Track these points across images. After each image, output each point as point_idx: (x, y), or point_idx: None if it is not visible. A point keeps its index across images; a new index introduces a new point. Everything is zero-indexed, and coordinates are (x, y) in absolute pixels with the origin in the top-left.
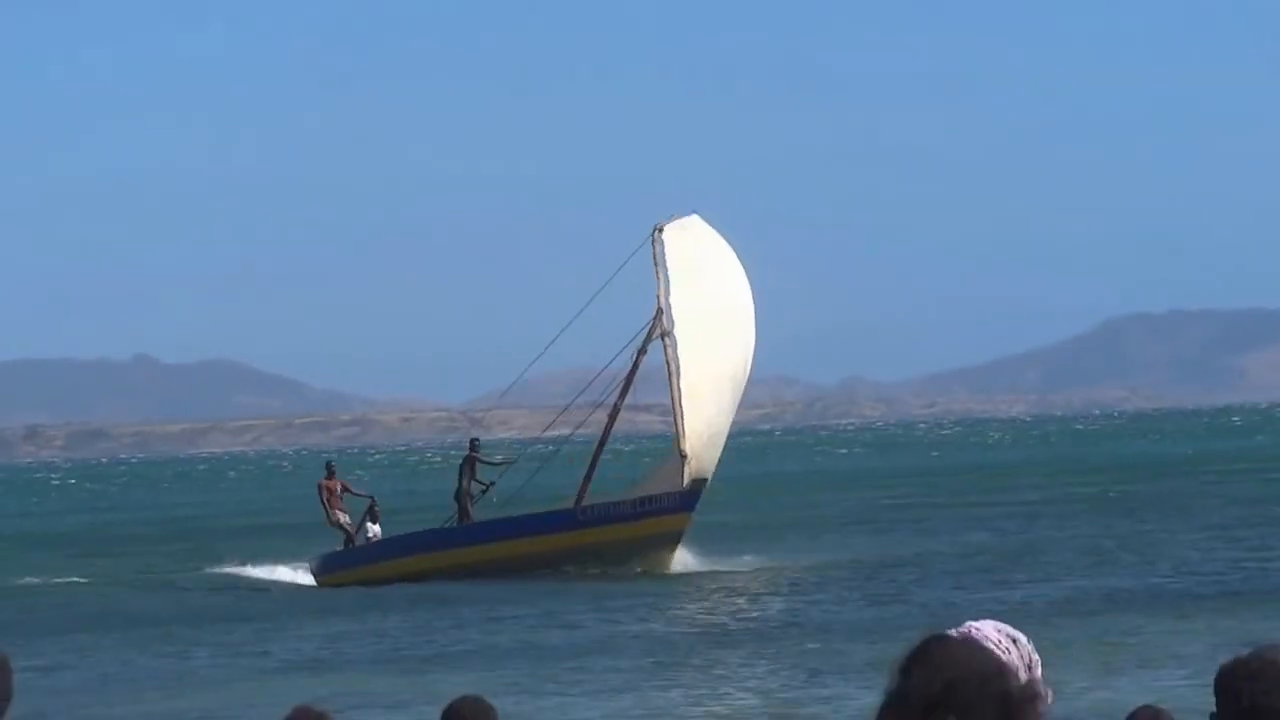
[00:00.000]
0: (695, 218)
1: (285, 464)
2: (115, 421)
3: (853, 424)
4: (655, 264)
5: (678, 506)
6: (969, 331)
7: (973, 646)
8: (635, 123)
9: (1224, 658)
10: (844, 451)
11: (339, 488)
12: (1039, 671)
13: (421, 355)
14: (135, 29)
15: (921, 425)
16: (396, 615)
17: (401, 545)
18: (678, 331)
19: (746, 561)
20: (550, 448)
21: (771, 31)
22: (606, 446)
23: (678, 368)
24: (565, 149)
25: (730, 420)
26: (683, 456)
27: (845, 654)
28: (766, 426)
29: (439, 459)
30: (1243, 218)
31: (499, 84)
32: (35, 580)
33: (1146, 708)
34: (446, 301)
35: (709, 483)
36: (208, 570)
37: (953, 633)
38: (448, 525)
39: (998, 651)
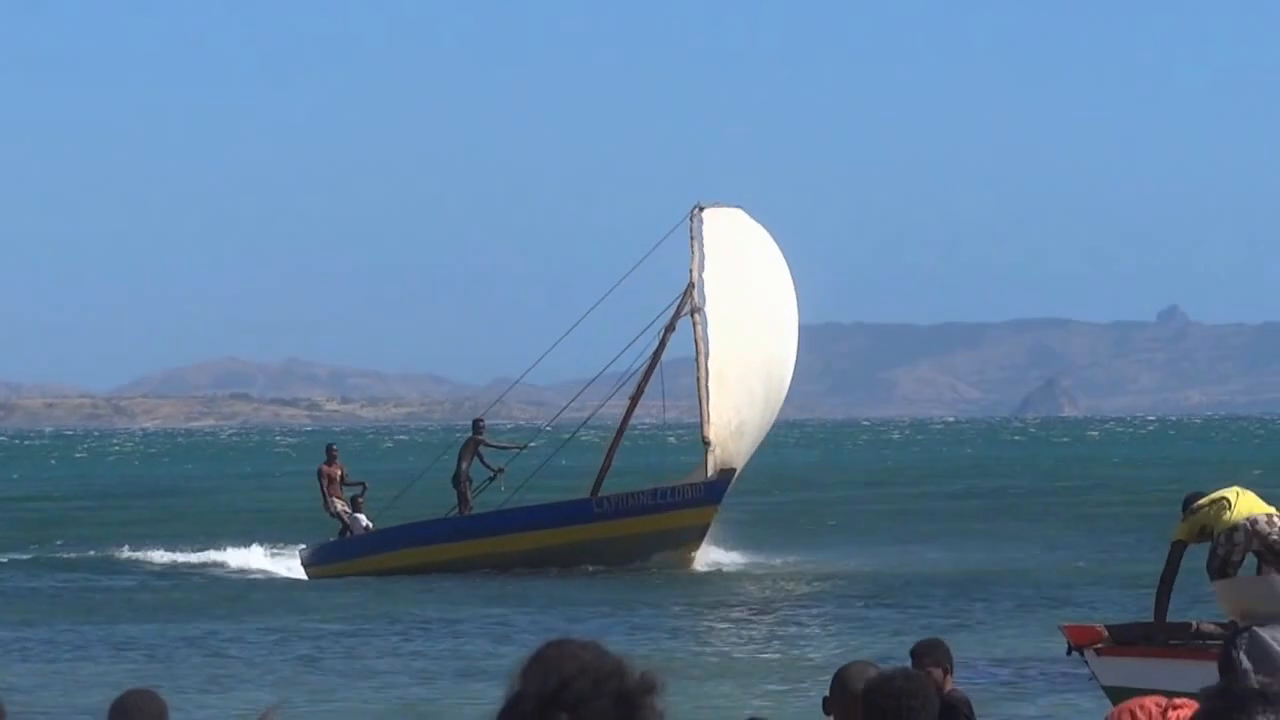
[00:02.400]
0: (739, 211)
1: None
2: None
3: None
4: (691, 238)
5: (703, 499)
6: (619, 341)
7: (591, 648)
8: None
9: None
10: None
11: (339, 474)
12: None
13: (68, 341)
14: None
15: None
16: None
17: (402, 536)
18: (709, 309)
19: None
20: (547, 432)
21: None
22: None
23: (706, 348)
24: None
25: (764, 415)
26: (706, 443)
27: None
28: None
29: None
30: (893, 235)
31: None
32: None
33: (858, 663)
34: (97, 290)
35: (737, 474)
36: None
37: (576, 637)
38: (450, 514)
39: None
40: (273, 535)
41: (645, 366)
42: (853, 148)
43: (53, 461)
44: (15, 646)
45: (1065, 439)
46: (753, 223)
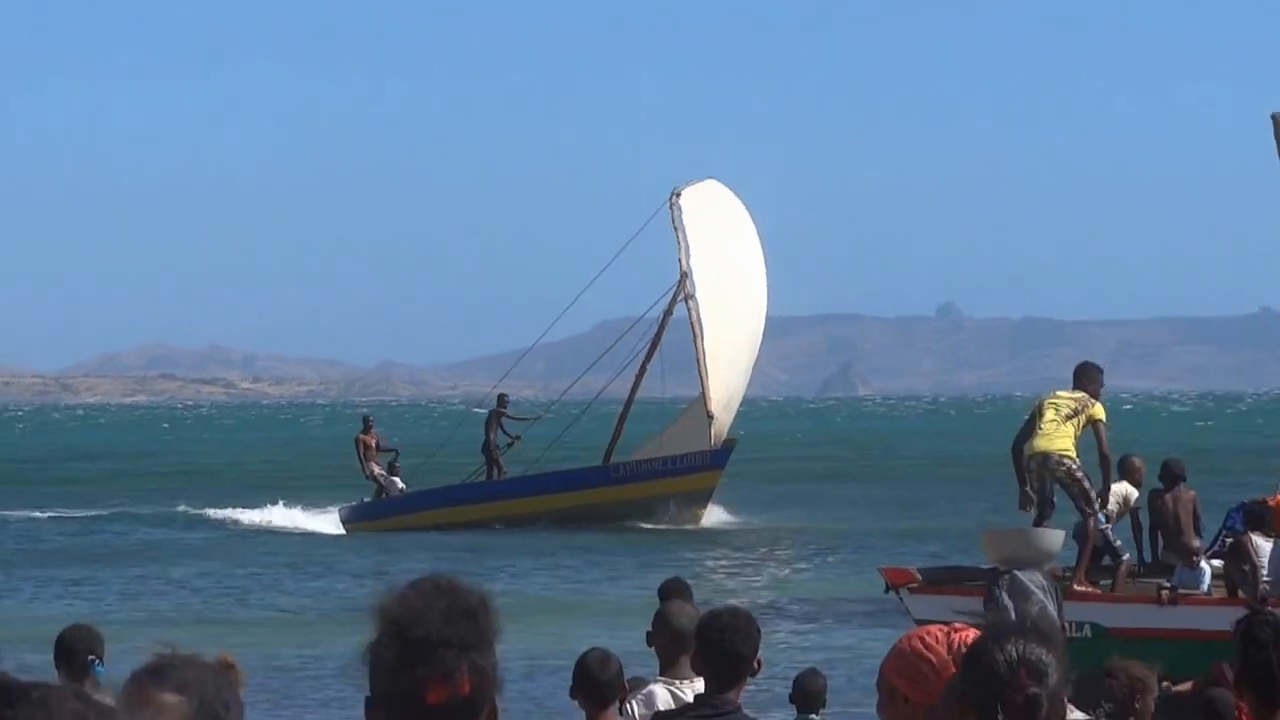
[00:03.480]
0: (712, 182)
1: None
2: None
3: (394, 400)
4: (675, 229)
5: (710, 464)
6: (490, 325)
7: (437, 580)
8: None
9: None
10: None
11: (374, 442)
12: None
13: (16, 327)
14: None
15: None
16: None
17: (433, 498)
18: (700, 295)
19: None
20: (553, 407)
21: None
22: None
23: (702, 330)
24: None
25: (743, 387)
26: (710, 417)
27: None
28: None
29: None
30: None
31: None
32: None
33: (675, 579)
34: (42, 280)
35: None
36: None
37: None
38: (477, 479)
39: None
40: (284, 495)
41: (647, 349)
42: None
43: (19, 428)
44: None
45: (870, 414)
46: (725, 192)
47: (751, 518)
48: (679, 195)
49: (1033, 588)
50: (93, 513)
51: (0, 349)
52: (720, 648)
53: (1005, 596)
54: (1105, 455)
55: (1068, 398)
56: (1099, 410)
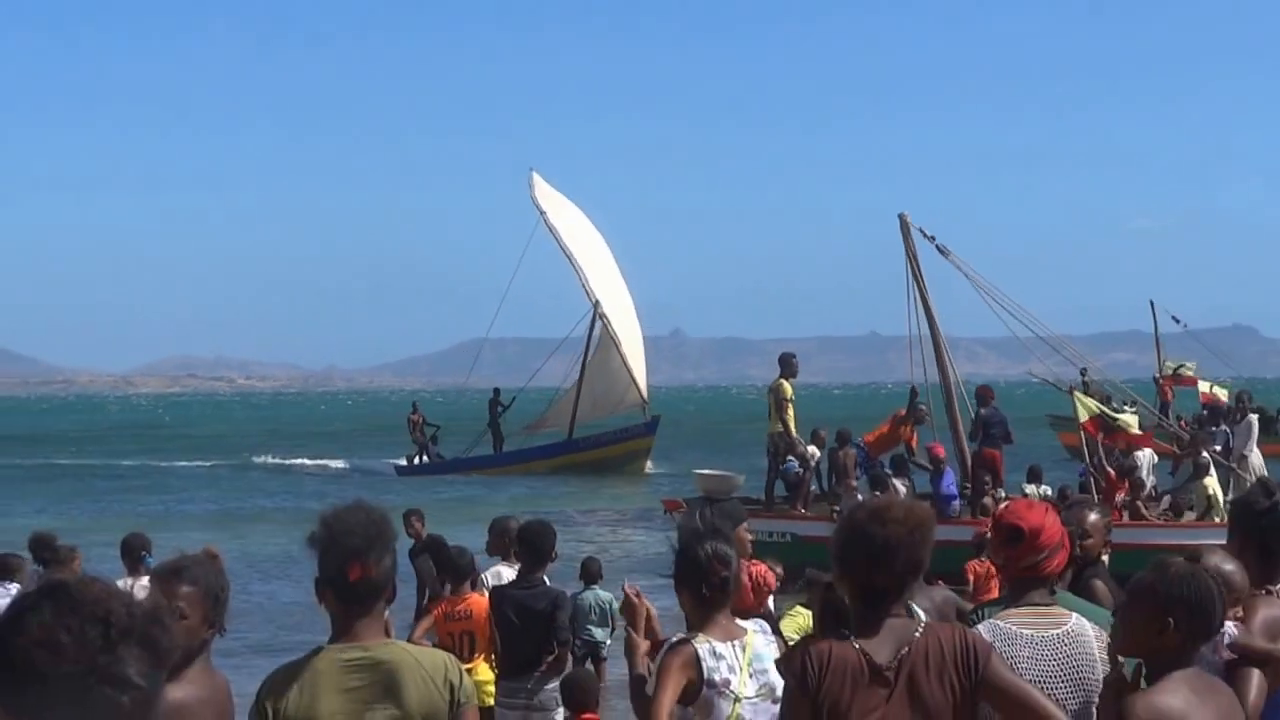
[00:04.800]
0: (535, 176)
1: None
2: None
3: (339, 391)
4: (562, 251)
5: (645, 432)
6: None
7: (355, 507)
8: None
9: None
10: None
11: (420, 419)
12: None
13: (89, 336)
14: None
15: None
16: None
17: (463, 463)
18: (605, 309)
19: None
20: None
21: None
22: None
23: (617, 337)
24: None
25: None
26: (645, 401)
27: None
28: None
29: None
30: None
31: None
32: None
33: (503, 516)
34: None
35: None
36: None
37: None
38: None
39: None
40: (348, 450)
41: (582, 351)
42: None
43: (112, 409)
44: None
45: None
46: (552, 190)
47: (674, 467)
48: (544, 214)
49: (730, 508)
50: (219, 462)
51: (74, 353)
52: (531, 543)
53: (710, 513)
54: (785, 421)
55: (768, 391)
56: (782, 389)
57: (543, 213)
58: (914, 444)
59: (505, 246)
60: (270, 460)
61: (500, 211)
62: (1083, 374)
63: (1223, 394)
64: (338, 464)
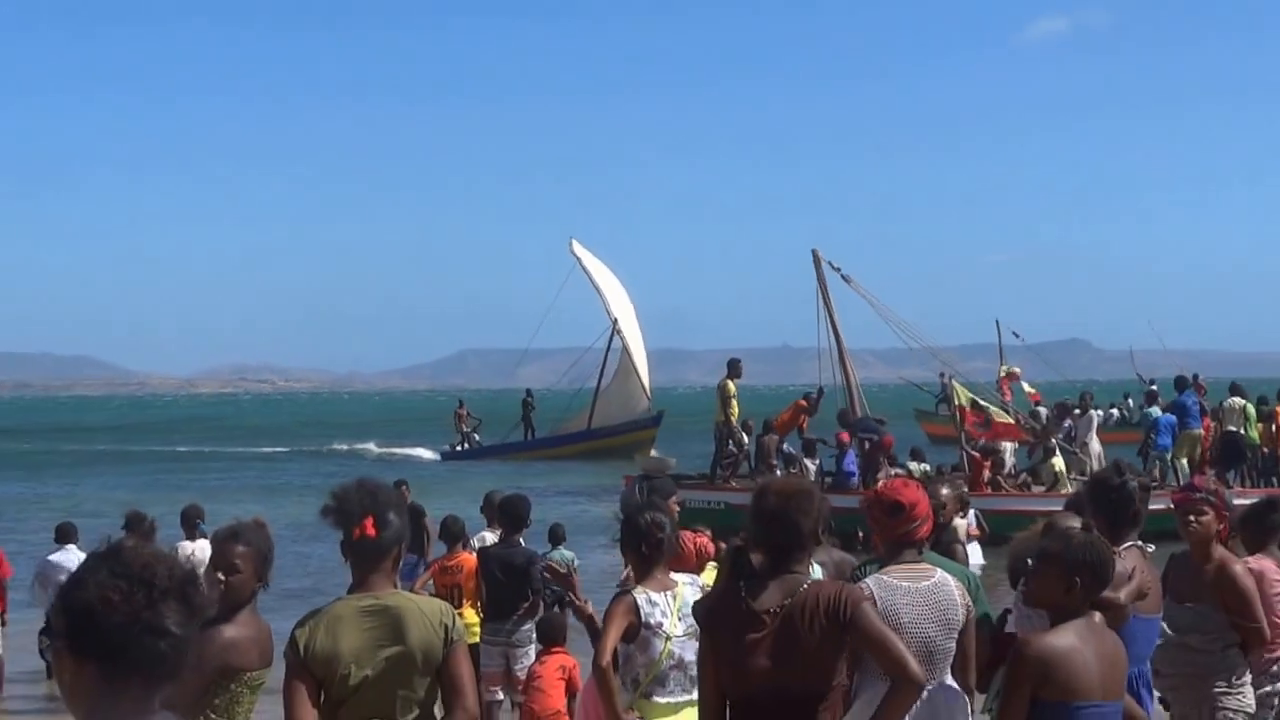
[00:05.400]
0: (575, 243)
1: None
2: None
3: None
4: (592, 285)
5: (651, 423)
6: (414, 344)
7: (369, 482)
8: None
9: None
10: None
11: (465, 413)
12: None
13: (159, 342)
14: None
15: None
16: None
17: (500, 448)
18: (620, 326)
19: None
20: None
21: None
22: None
23: (630, 350)
24: None
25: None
26: (649, 399)
27: None
28: None
29: None
30: None
31: None
32: None
33: (496, 491)
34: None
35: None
36: None
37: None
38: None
39: None
40: (400, 438)
41: (602, 360)
42: None
43: (181, 405)
44: None
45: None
46: (586, 251)
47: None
48: (581, 261)
49: (661, 485)
50: (290, 448)
51: (152, 363)
52: (510, 512)
53: (647, 487)
54: (728, 414)
55: (716, 389)
56: (727, 387)
57: (578, 259)
58: (805, 428)
59: (492, 264)
60: (339, 447)
61: (496, 236)
62: (942, 377)
63: (1030, 389)
64: (379, 450)
